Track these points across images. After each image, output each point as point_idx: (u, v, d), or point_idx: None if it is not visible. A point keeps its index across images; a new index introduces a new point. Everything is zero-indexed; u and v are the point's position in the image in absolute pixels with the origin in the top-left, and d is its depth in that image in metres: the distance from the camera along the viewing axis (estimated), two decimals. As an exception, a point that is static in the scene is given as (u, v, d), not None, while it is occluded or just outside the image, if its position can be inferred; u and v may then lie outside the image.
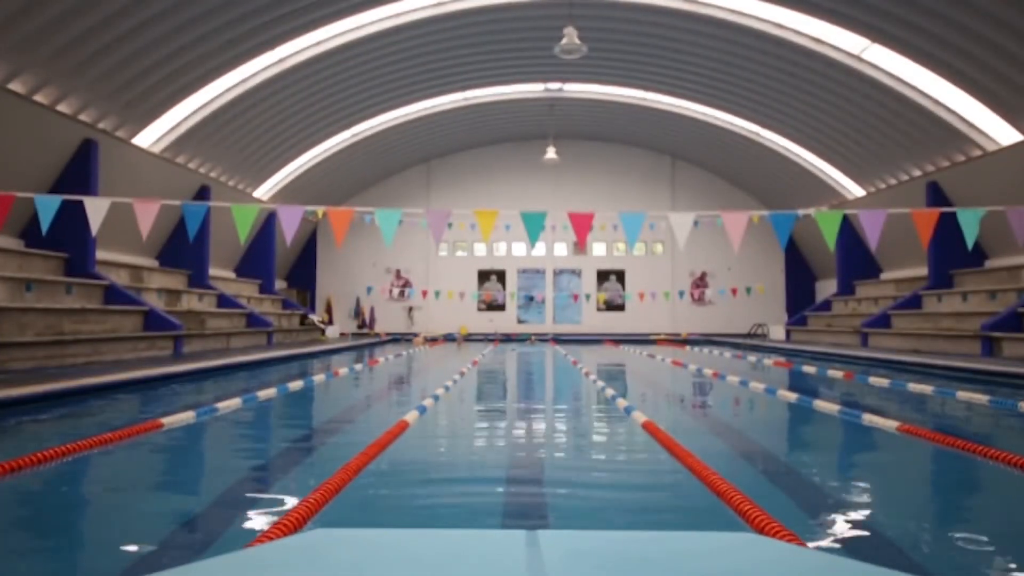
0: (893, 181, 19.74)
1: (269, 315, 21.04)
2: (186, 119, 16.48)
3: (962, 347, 14.97)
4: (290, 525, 3.15)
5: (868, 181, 20.81)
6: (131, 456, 5.28)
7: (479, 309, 28.23)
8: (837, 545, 3.20)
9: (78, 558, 3.24)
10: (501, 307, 28.32)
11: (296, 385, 9.56)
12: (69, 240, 13.23)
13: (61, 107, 12.94)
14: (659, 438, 5.50)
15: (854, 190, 21.74)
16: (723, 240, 23.59)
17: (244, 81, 16.51)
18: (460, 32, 17.30)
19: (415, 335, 26.05)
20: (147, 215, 8.37)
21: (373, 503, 4.03)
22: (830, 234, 8.85)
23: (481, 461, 5.39)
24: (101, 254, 14.71)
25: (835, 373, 11.65)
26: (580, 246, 27.97)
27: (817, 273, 27.61)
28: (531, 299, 28.21)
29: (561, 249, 28.60)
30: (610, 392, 8.88)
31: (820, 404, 7.74)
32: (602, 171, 28.18)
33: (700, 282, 28.27)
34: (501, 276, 28.53)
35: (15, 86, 11.77)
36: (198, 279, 18.66)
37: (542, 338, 25.69)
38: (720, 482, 3.89)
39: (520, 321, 28.40)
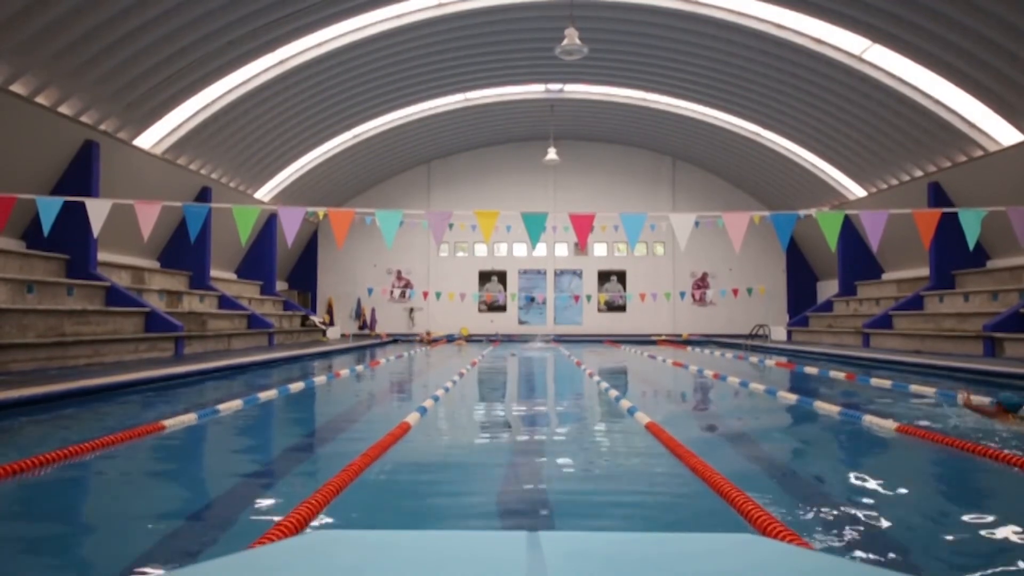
0: (894, 181, 19.73)
1: (270, 316, 21.05)
2: (187, 120, 16.50)
3: (964, 348, 14.95)
4: (292, 526, 3.15)
5: (869, 181, 20.80)
6: (133, 458, 5.28)
7: (480, 310, 28.23)
8: (838, 545, 3.20)
9: (80, 560, 3.24)
10: (502, 308, 28.31)
11: (297, 386, 9.57)
12: (70, 241, 13.27)
13: (63, 109, 12.96)
14: (662, 439, 5.50)
15: (855, 190, 21.73)
16: (724, 241, 23.59)
17: (245, 83, 16.54)
18: (461, 33, 17.31)
19: (420, 334, 26.10)
20: (148, 216, 8.38)
21: (374, 504, 4.03)
22: (831, 235, 8.85)
23: (483, 462, 5.38)
24: (102, 255, 14.72)
25: (837, 374, 11.64)
26: (581, 247, 27.96)
27: (818, 274, 27.60)
28: (532, 300, 28.20)
29: (562, 250, 28.60)
30: (613, 393, 8.88)
31: (821, 405, 7.73)
32: (603, 172, 28.19)
33: (701, 283, 28.26)
34: (502, 277, 28.53)
35: (17, 88, 11.79)
36: (199, 280, 18.68)
37: (544, 338, 25.34)
38: (722, 483, 3.89)
39: (521, 322, 28.40)
